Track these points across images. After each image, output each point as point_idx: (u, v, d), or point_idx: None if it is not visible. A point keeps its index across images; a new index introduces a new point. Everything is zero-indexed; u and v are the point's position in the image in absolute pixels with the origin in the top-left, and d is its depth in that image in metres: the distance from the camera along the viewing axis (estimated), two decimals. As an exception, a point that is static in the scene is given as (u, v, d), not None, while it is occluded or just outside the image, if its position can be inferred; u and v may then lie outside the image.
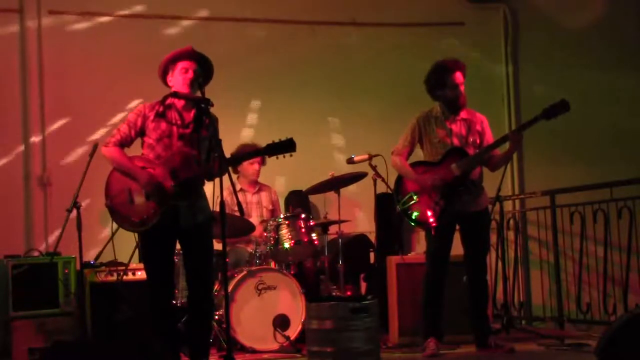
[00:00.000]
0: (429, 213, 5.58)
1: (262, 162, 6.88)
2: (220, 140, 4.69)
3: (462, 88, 5.64)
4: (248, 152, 5.02)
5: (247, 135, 7.51)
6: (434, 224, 5.58)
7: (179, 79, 4.92)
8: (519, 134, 5.56)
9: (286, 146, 4.87)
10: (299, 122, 7.89)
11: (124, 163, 4.88)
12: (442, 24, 8.39)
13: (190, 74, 4.90)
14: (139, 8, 7.67)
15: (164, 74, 5.01)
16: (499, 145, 5.61)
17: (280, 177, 7.70)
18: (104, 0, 7.60)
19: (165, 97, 4.96)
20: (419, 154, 5.85)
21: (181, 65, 4.93)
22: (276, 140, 4.88)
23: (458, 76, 5.63)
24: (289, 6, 8.03)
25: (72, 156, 7.21)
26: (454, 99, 5.64)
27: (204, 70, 4.96)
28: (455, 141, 5.62)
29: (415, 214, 5.66)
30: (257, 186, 6.97)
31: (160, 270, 4.94)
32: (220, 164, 4.67)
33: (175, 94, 4.89)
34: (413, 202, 5.66)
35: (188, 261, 5.03)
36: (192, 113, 4.92)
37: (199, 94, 4.83)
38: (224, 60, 7.30)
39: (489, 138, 5.71)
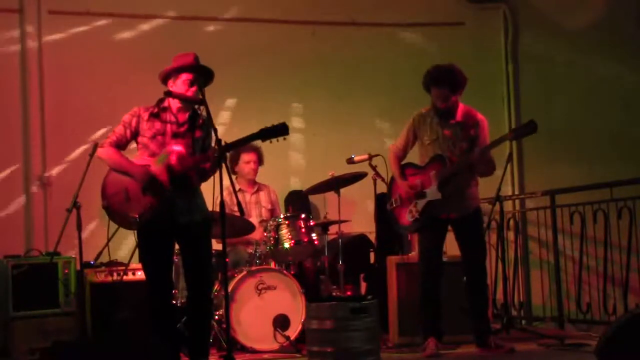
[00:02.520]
0: (407, 218, 5.71)
1: (259, 162, 6.88)
2: (216, 130, 4.74)
3: (441, 103, 5.59)
4: (243, 137, 4.98)
5: (246, 133, 7.49)
6: (409, 230, 5.83)
7: (182, 88, 4.94)
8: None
9: (279, 130, 4.87)
10: (299, 121, 7.90)
11: (120, 161, 4.91)
12: (442, 24, 8.39)
13: (194, 87, 4.92)
14: (139, 9, 7.67)
15: (165, 79, 5.01)
16: (463, 166, 5.55)
17: (280, 176, 7.70)
18: (104, 0, 7.60)
19: (161, 100, 5.00)
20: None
21: (185, 76, 4.95)
22: (269, 125, 4.90)
23: (438, 91, 5.59)
24: (289, 6, 8.02)
25: (72, 156, 7.21)
26: (436, 108, 5.66)
27: (205, 80, 4.98)
28: (444, 146, 5.63)
29: (397, 217, 5.81)
30: (256, 186, 6.97)
31: (158, 270, 4.95)
32: (219, 152, 4.69)
33: (169, 93, 4.91)
34: (397, 204, 5.79)
35: (186, 261, 5.04)
36: (187, 115, 4.98)
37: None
38: (225, 60, 7.36)
39: (483, 142, 5.64)
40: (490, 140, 5.62)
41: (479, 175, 5.71)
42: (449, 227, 5.77)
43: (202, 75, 4.96)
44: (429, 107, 5.74)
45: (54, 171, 7.23)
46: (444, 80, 5.58)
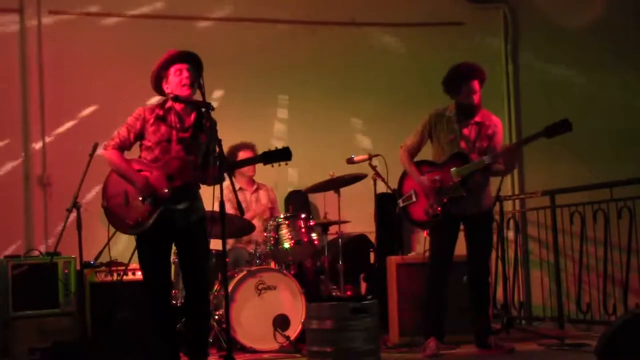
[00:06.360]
0: (424, 214, 5.64)
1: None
2: (220, 141, 4.70)
3: (475, 97, 5.58)
4: (245, 159, 5.03)
5: (245, 135, 7.50)
6: (425, 226, 5.76)
7: (175, 80, 4.86)
8: (512, 150, 5.53)
9: (282, 155, 4.89)
10: (299, 122, 7.89)
11: (122, 166, 4.87)
12: (442, 24, 8.39)
13: (186, 74, 4.84)
14: (139, 9, 7.67)
15: (158, 82, 4.94)
16: (495, 161, 5.55)
17: (280, 176, 7.69)
18: (104, 0, 7.60)
19: (165, 101, 4.95)
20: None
21: (174, 68, 4.87)
22: (272, 149, 4.91)
23: (474, 85, 5.58)
24: (288, 6, 8.02)
25: (72, 156, 7.20)
26: (466, 106, 5.61)
27: (196, 68, 4.89)
28: (462, 145, 5.61)
29: (412, 213, 5.74)
30: (255, 185, 6.98)
31: (156, 272, 4.94)
32: (220, 167, 4.67)
33: (176, 98, 4.86)
34: (411, 201, 5.71)
35: (183, 261, 5.03)
36: (192, 117, 4.92)
37: (198, 94, 4.83)
38: (223, 60, 7.36)
39: (498, 143, 5.66)
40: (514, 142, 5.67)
41: (492, 174, 5.68)
42: (461, 227, 5.75)
43: (191, 63, 4.86)
44: (447, 106, 5.72)
45: (54, 171, 7.24)
46: (475, 74, 5.58)
